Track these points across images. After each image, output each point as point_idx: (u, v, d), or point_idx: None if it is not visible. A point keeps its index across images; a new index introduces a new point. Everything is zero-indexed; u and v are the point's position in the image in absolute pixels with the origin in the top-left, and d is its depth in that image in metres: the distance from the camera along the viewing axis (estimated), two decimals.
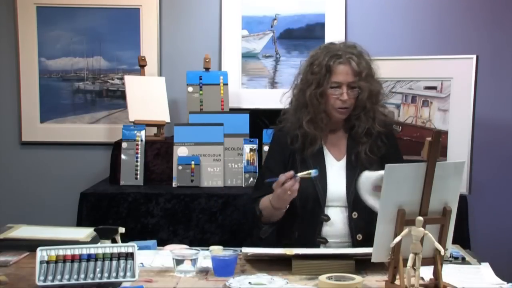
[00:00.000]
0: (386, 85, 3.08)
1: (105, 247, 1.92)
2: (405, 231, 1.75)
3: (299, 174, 2.25)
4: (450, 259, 2.11)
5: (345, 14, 3.46)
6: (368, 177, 2.25)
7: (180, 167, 3.11)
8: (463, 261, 2.14)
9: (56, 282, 1.84)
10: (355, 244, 2.38)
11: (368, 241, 2.28)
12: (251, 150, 3.13)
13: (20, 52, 3.50)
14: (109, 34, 3.52)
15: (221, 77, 3.33)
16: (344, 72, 2.42)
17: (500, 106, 3.45)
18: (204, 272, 2.03)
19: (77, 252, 1.90)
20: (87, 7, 3.50)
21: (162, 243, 2.42)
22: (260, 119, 3.19)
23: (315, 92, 2.43)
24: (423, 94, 3.06)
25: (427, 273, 1.86)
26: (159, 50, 3.51)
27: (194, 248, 2.12)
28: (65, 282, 1.85)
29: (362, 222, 2.39)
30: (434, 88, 3.04)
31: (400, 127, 3.10)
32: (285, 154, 2.51)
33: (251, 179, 3.10)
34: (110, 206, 2.99)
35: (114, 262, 1.89)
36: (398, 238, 1.75)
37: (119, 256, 1.90)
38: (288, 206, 2.37)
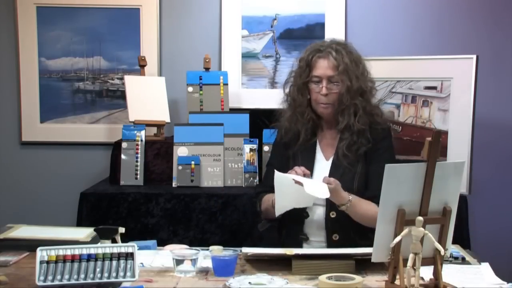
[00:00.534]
0: (386, 85, 3.09)
1: (105, 247, 1.92)
2: (405, 231, 1.75)
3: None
4: (450, 259, 2.11)
5: (345, 14, 3.46)
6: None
7: (180, 167, 3.11)
8: (463, 261, 2.14)
9: (56, 282, 1.84)
10: (330, 244, 2.40)
11: (345, 242, 2.31)
12: (251, 150, 3.13)
13: (20, 52, 3.50)
14: (109, 34, 3.52)
15: (221, 77, 3.33)
16: (323, 66, 2.46)
17: (500, 106, 3.45)
18: (204, 272, 2.03)
19: (77, 252, 1.90)
20: (87, 7, 3.50)
21: (162, 243, 2.43)
22: (260, 119, 3.19)
23: (298, 86, 2.49)
24: (423, 94, 3.06)
25: (427, 273, 1.86)
26: (159, 50, 3.51)
27: (194, 248, 2.12)
28: (65, 282, 1.85)
29: (340, 223, 2.39)
30: (434, 88, 3.04)
31: (400, 127, 3.10)
32: (282, 150, 2.57)
33: (251, 179, 3.10)
34: (110, 206, 2.99)
35: (114, 262, 1.89)
36: (398, 238, 1.75)
37: (119, 256, 1.90)
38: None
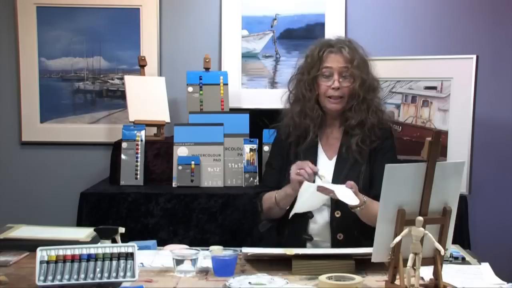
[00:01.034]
0: (386, 85, 3.08)
1: (105, 247, 1.92)
2: (405, 231, 1.75)
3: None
4: (450, 259, 2.11)
5: (345, 14, 3.46)
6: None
7: (180, 167, 3.11)
8: (463, 261, 2.14)
9: (56, 282, 1.84)
10: (335, 243, 2.39)
11: (349, 242, 2.30)
12: (251, 150, 3.13)
13: (20, 52, 3.50)
14: (109, 34, 3.52)
15: (221, 77, 3.33)
16: (335, 60, 2.45)
17: (500, 106, 3.45)
18: (204, 272, 2.03)
19: (77, 252, 1.89)
20: (87, 7, 3.50)
21: (162, 243, 2.42)
22: (260, 119, 3.19)
23: (307, 80, 2.46)
24: (423, 94, 3.06)
25: (427, 273, 1.86)
26: (159, 50, 3.51)
27: (194, 248, 2.12)
28: (65, 282, 1.85)
29: (345, 222, 2.39)
30: (434, 88, 3.04)
31: (400, 127, 3.10)
32: (283, 150, 2.54)
33: (251, 179, 3.10)
34: (110, 206, 2.99)
35: (114, 262, 1.89)
36: (398, 238, 1.75)
37: (119, 256, 1.90)
38: (288, 206, 2.39)
